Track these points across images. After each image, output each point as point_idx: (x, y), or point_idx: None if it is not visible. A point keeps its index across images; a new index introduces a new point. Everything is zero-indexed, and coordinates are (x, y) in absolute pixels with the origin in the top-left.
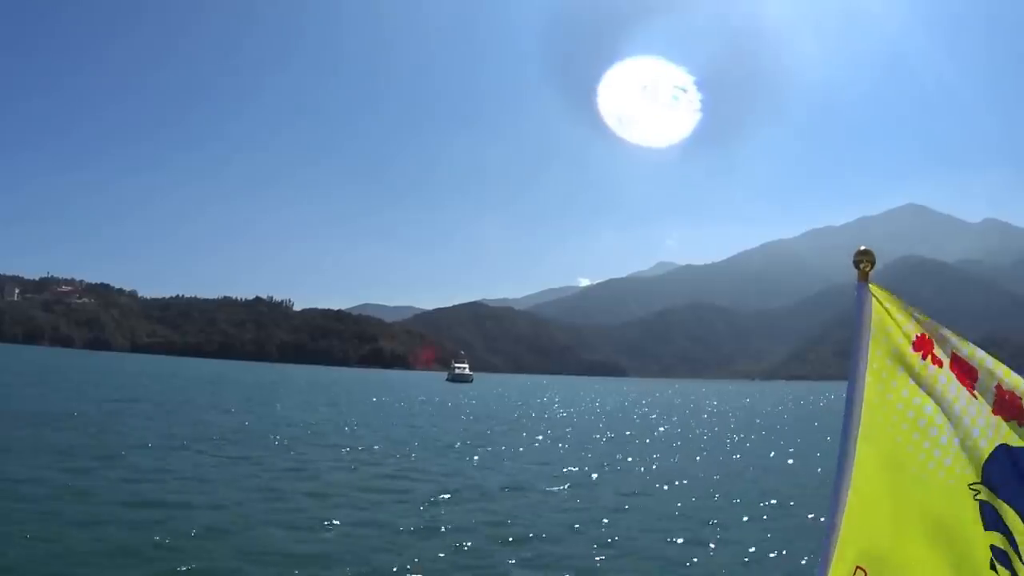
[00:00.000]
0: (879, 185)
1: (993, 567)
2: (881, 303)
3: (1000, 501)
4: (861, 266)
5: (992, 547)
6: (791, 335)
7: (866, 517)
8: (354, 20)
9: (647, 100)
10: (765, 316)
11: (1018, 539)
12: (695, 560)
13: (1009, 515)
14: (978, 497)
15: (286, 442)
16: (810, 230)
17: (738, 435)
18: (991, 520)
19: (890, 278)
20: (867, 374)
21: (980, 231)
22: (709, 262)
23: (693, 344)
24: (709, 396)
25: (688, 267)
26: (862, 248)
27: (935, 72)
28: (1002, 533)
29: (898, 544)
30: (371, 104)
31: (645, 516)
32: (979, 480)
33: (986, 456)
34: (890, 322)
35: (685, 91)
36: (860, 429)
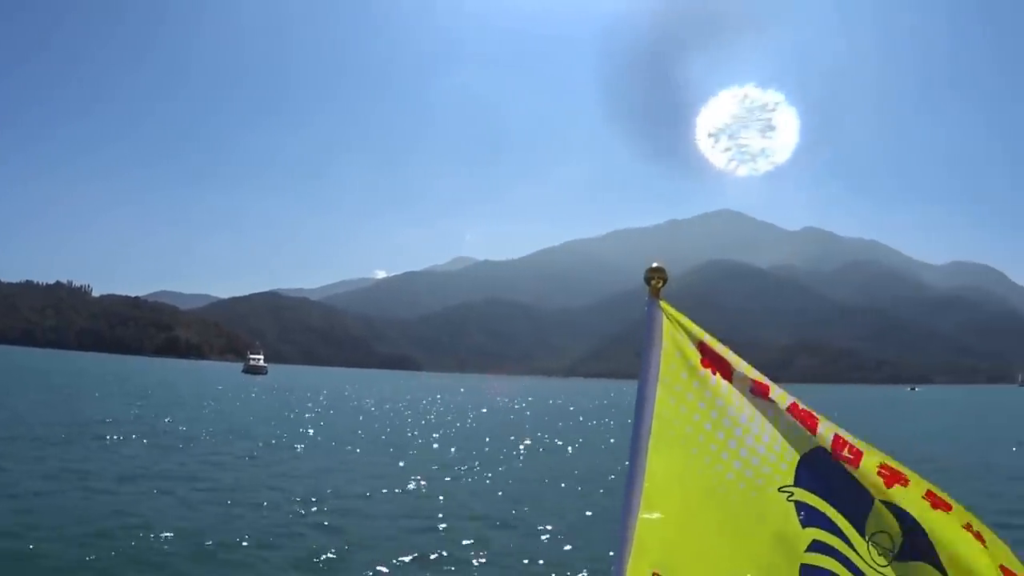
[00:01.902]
0: (694, 190)
1: (806, 571)
2: (672, 319)
3: (818, 498)
4: (653, 282)
5: (814, 540)
6: (592, 333)
7: (660, 526)
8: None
9: None
10: (566, 314)
11: (845, 532)
12: (474, 565)
13: (829, 511)
14: (792, 499)
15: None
16: (616, 230)
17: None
18: (809, 518)
19: (698, 280)
20: (658, 386)
21: (799, 239)
22: (509, 258)
23: (490, 339)
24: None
25: (487, 263)
26: (654, 265)
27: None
28: (824, 528)
29: (697, 552)
30: (173, 90)
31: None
32: (792, 483)
33: (796, 462)
34: (681, 338)
35: None
36: (651, 440)
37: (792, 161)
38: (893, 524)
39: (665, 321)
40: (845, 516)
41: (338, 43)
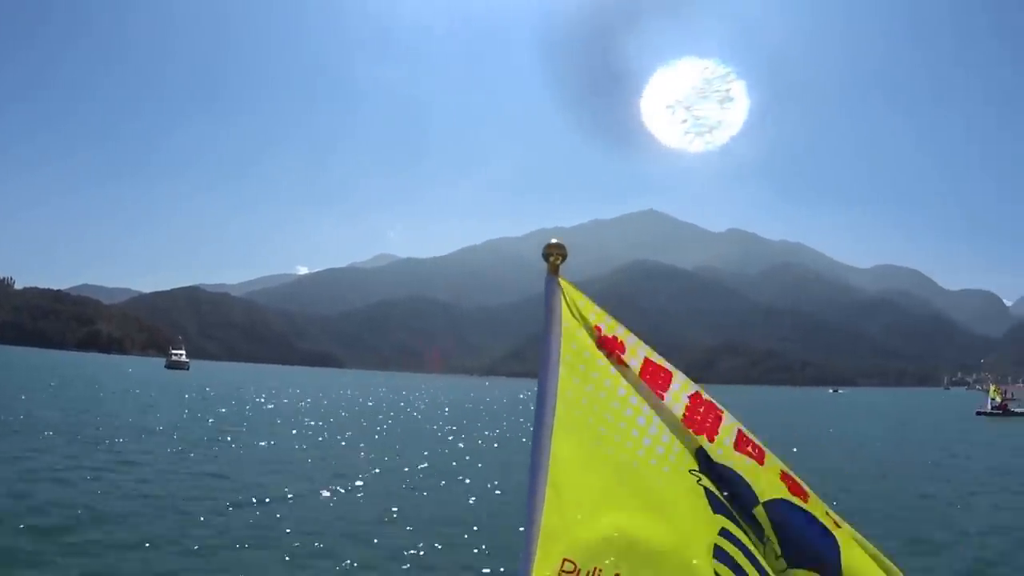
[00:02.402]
0: (618, 190)
1: (718, 553)
2: (570, 297)
3: (720, 491)
4: (551, 259)
5: (723, 528)
6: (512, 332)
7: (568, 510)
8: None
9: None
10: (487, 312)
11: (744, 527)
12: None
13: (729, 504)
14: (701, 483)
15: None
16: (538, 229)
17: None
18: (716, 504)
19: (622, 281)
20: (560, 366)
21: (723, 240)
22: (432, 256)
23: (412, 337)
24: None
25: (409, 260)
26: (553, 241)
27: None
28: (729, 518)
29: (610, 533)
30: (97, 86)
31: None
32: (698, 468)
33: (695, 452)
34: (580, 317)
35: None
36: (555, 423)
37: (717, 161)
38: (771, 529)
39: (564, 299)
40: (739, 514)
41: (265, 40)
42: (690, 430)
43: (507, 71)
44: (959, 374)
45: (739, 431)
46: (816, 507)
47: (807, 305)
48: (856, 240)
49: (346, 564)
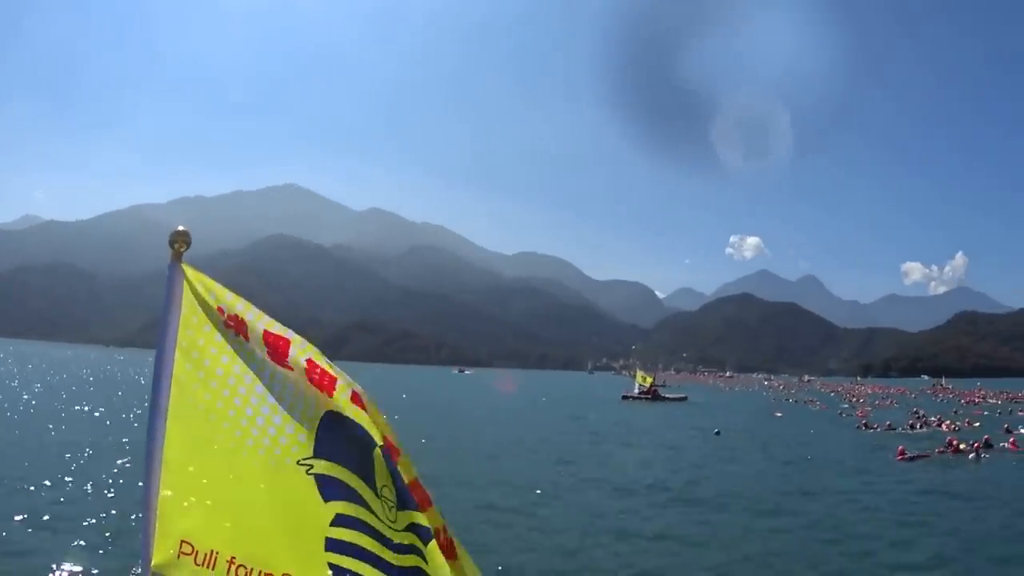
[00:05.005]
0: (262, 162)
1: (332, 544)
2: (192, 282)
3: (338, 466)
4: (176, 246)
5: (337, 515)
6: (151, 303)
7: (184, 492)
8: None
9: None
10: (126, 282)
11: (364, 496)
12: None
13: (350, 478)
14: (312, 472)
15: None
16: (181, 197)
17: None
18: (331, 491)
19: (260, 256)
20: (176, 351)
21: (365, 219)
22: (77, 219)
23: (50, 306)
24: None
25: (53, 223)
26: (180, 228)
27: (349, 67)
28: (345, 499)
29: (225, 519)
30: None
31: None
32: (311, 455)
33: (316, 428)
34: (201, 301)
35: None
36: (169, 406)
37: (366, 141)
38: (386, 475)
39: (186, 285)
40: (360, 477)
41: None
42: (316, 388)
43: (163, 24)
44: (604, 360)
45: (353, 391)
46: (405, 469)
47: (447, 287)
48: (503, 227)
49: None
